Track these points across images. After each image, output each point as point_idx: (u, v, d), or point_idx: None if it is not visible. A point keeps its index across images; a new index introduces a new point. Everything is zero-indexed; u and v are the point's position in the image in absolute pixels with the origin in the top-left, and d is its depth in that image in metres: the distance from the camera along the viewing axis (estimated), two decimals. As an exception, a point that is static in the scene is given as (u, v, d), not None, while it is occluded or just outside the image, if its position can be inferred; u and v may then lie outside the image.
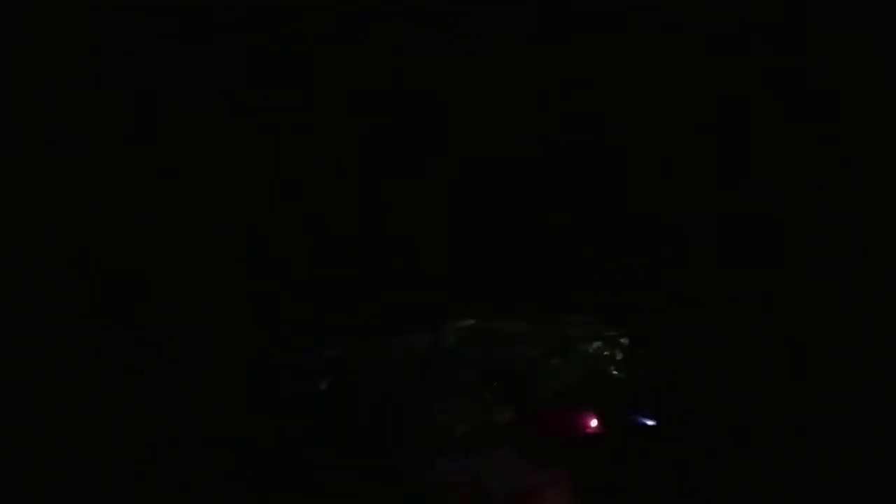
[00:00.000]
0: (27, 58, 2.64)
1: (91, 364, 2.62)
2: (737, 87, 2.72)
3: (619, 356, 2.57)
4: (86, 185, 2.68)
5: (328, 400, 2.58)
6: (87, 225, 2.68)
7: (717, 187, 2.75)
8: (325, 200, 2.80)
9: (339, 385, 2.58)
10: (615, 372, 2.56)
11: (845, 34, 2.64)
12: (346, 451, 2.54)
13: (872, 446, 2.54)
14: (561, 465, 2.48)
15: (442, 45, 2.74)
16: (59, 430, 2.57)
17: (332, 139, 2.79)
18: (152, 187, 2.73)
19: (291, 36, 2.74)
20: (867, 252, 2.65)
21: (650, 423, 2.56)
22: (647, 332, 2.61)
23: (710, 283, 2.71)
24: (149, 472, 2.57)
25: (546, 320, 2.59)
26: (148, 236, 2.72)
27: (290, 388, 2.60)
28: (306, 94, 2.76)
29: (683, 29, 2.70)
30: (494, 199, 2.81)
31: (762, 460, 2.56)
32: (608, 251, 2.74)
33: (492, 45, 2.74)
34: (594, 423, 2.54)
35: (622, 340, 2.58)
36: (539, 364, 2.55)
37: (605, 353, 2.57)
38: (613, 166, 2.78)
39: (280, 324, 2.73)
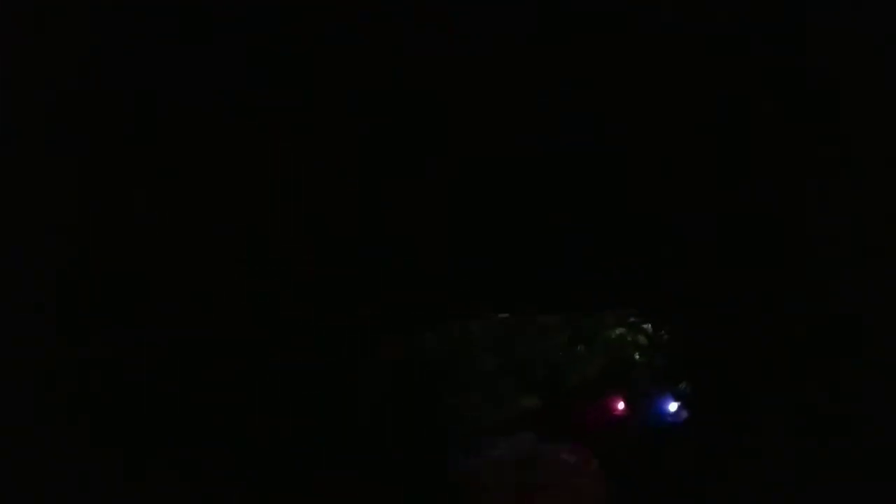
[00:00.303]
0: (27, 58, 2.64)
1: (91, 364, 2.62)
2: (737, 87, 2.72)
3: (642, 341, 2.61)
4: (86, 185, 2.68)
5: (354, 397, 2.60)
6: (87, 225, 2.68)
7: (717, 187, 2.75)
8: (325, 200, 2.80)
9: (370, 381, 2.60)
10: (638, 356, 2.59)
11: (845, 34, 2.64)
12: (369, 448, 2.55)
13: (872, 444, 2.55)
14: (588, 450, 2.48)
15: (442, 45, 2.74)
16: (58, 429, 2.57)
17: (332, 139, 2.79)
18: (152, 187, 2.73)
19: (291, 36, 2.74)
20: (867, 252, 2.65)
21: (673, 406, 2.58)
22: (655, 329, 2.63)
23: (711, 282, 2.72)
24: (148, 472, 2.57)
25: (571, 315, 2.62)
26: (148, 236, 2.72)
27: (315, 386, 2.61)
28: (306, 94, 2.76)
29: (683, 29, 2.70)
30: (493, 199, 2.81)
31: (772, 457, 2.57)
32: (608, 249, 2.74)
33: (492, 45, 2.74)
34: (621, 406, 2.56)
35: (645, 326, 2.62)
36: (566, 353, 2.58)
37: (629, 339, 2.61)
38: (613, 166, 2.78)
39: (280, 324, 2.73)
